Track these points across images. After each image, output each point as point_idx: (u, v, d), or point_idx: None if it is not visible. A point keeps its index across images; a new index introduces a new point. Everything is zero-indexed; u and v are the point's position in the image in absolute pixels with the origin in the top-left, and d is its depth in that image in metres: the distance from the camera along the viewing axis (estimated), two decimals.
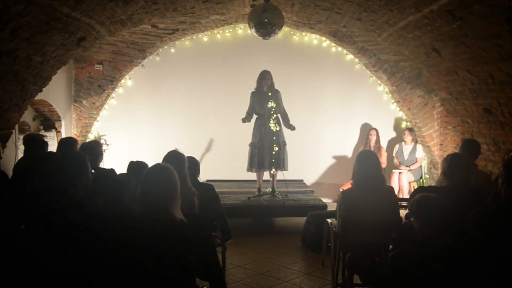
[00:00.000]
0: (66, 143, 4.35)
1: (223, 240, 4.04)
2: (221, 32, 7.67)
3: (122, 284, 2.37)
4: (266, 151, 6.25)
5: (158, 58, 7.68)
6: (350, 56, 7.68)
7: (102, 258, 2.39)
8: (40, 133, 6.19)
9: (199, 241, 2.96)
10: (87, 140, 7.15)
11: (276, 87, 6.40)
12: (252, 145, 6.40)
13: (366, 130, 7.71)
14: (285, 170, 6.29)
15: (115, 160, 7.16)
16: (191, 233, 2.49)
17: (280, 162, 6.23)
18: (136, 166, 3.64)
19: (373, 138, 7.35)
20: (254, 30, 5.25)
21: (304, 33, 7.65)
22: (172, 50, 7.69)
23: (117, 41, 6.89)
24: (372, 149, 7.17)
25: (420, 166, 7.27)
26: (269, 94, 6.21)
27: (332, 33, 6.90)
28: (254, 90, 6.41)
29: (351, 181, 3.76)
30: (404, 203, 4.29)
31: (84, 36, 4.91)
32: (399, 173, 7.13)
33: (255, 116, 6.42)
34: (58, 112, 6.68)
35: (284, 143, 6.35)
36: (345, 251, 3.52)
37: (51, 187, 2.62)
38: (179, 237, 2.42)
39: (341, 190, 6.97)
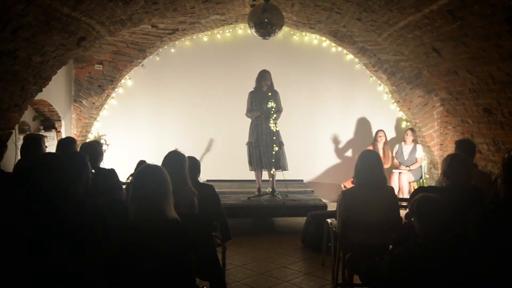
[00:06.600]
0: (65, 144, 4.34)
1: (223, 240, 4.04)
2: (221, 32, 7.67)
3: (122, 284, 2.37)
4: (263, 151, 6.26)
5: (158, 58, 7.69)
6: (350, 56, 7.68)
7: (102, 257, 2.39)
8: (40, 133, 6.19)
9: (199, 241, 2.96)
10: (87, 140, 7.15)
11: (276, 87, 6.40)
12: (249, 145, 6.41)
13: (366, 130, 7.71)
14: (286, 170, 6.30)
15: (115, 160, 7.17)
16: (187, 231, 2.50)
17: (279, 162, 6.23)
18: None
19: (381, 140, 7.28)
20: (254, 30, 5.25)
21: (304, 33, 7.65)
22: (172, 50, 7.69)
23: (117, 41, 6.89)
24: (381, 150, 7.13)
25: (420, 166, 7.27)
26: (269, 94, 6.22)
27: (332, 33, 6.90)
28: (252, 89, 6.41)
29: (352, 179, 3.75)
30: (404, 203, 4.29)
31: (84, 36, 4.91)
32: (399, 173, 7.12)
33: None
34: (58, 112, 6.69)
35: (282, 143, 6.34)
36: (345, 251, 3.52)
37: (52, 187, 2.61)
38: (174, 235, 2.43)
39: (342, 186, 7.02)
